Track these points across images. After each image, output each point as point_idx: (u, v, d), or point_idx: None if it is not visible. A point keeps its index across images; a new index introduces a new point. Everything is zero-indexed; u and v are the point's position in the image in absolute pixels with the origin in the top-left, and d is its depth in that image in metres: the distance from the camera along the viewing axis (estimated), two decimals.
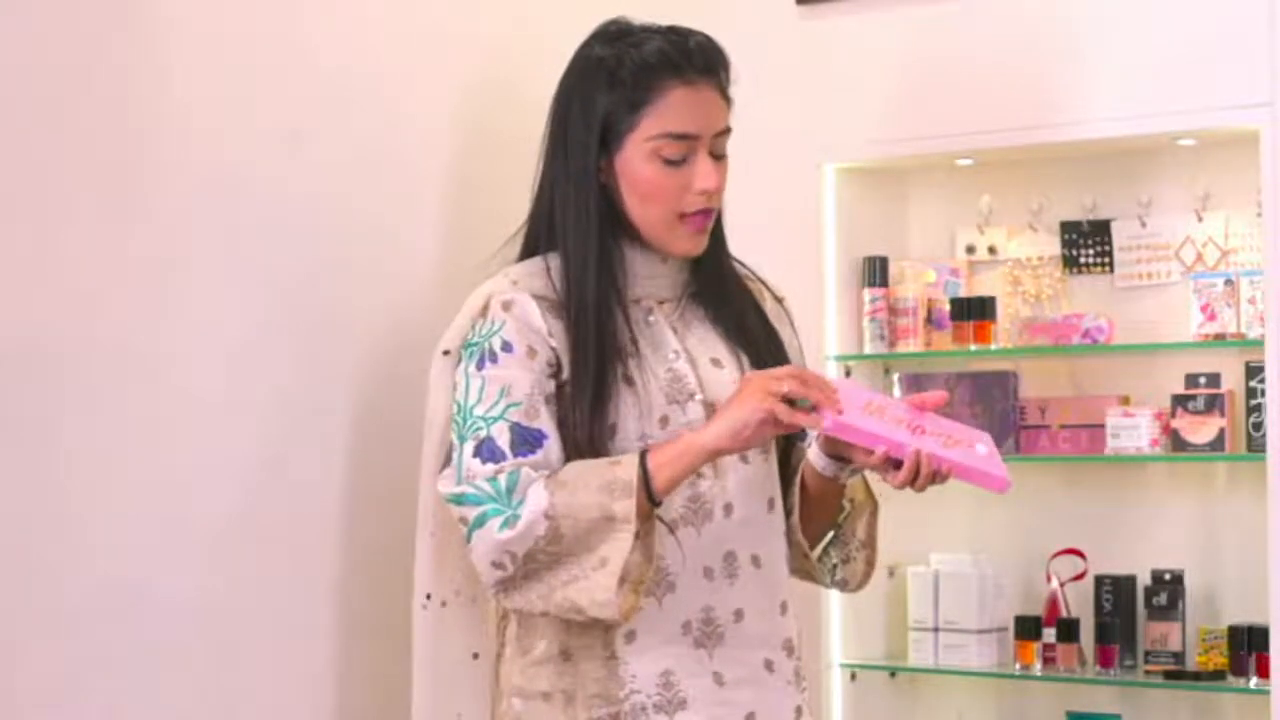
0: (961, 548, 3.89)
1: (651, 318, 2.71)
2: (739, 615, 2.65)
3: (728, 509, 2.65)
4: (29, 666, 2.53)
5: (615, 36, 2.71)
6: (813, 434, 2.68)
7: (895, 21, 3.73)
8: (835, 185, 3.87)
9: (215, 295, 2.77)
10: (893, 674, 3.92)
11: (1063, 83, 3.58)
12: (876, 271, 3.91)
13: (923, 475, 2.58)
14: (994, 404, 3.85)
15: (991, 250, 3.95)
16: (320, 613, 2.87)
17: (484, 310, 2.68)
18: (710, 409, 2.65)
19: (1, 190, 2.52)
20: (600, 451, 2.60)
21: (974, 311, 3.86)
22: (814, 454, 2.70)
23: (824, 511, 2.76)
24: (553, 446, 2.60)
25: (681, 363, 2.68)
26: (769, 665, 2.67)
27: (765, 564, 2.69)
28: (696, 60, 2.68)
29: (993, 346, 3.86)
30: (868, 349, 3.90)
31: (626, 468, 2.53)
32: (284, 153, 2.85)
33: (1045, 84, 3.59)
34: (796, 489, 2.73)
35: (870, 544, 2.78)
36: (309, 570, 2.87)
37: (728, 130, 2.71)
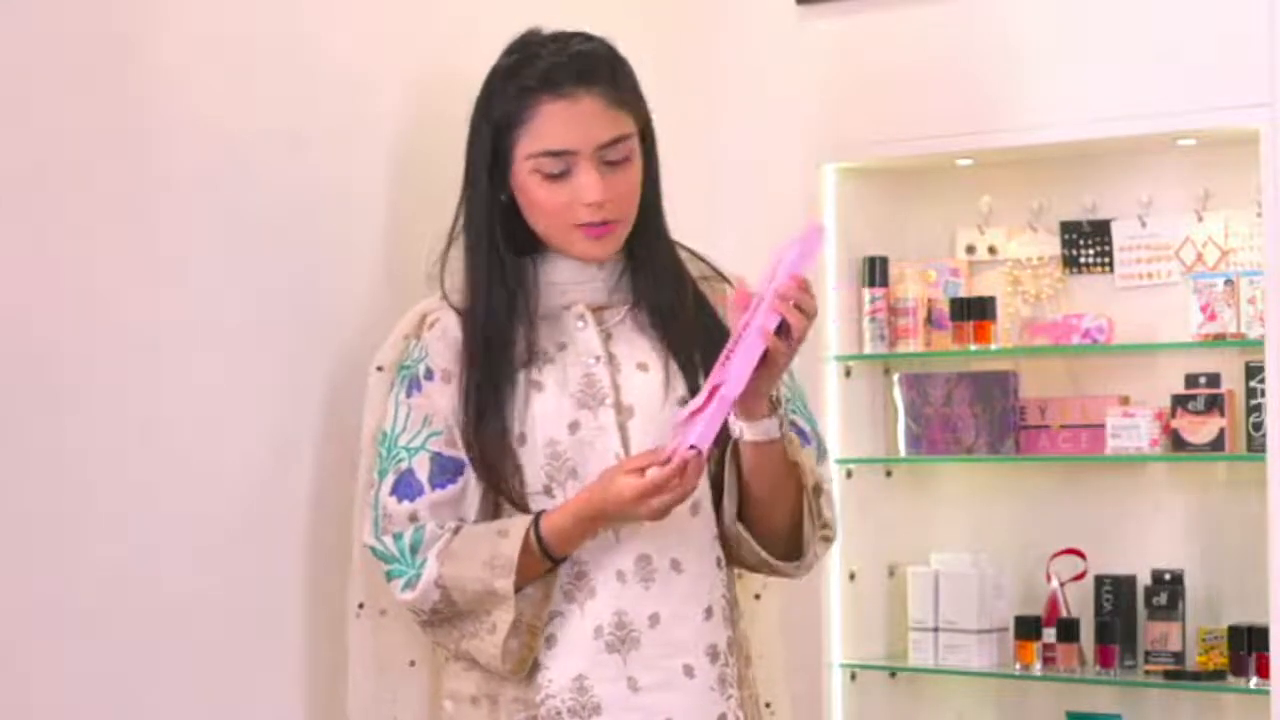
0: (961, 548, 3.89)
1: (581, 323, 2.71)
2: (654, 620, 2.64)
3: None
4: (31, 665, 2.53)
5: (511, 50, 2.71)
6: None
7: (895, 21, 3.73)
8: (835, 185, 3.86)
9: (215, 295, 2.77)
10: (893, 674, 3.92)
11: (1062, 83, 3.58)
12: (876, 271, 3.91)
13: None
14: (994, 404, 3.85)
15: (991, 250, 3.95)
16: (320, 612, 2.87)
17: (418, 329, 2.74)
18: (626, 413, 2.65)
19: (2, 190, 2.52)
20: (493, 462, 2.63)
21: (974, 311, 3.86)
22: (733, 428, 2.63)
23: (776, 489, 2.66)
24: (471, 475, 2.66)
25: (599, 367, 2.67)
26: (689, 671, 2.64)
27: (687, 568, 2.66)
28: (568, 71, 2.64)
29: (993, 346, 3.86)
30: (868, 349, 3.90)
31: (511, 541, 2.58)
32: (284, 153, 2.85)
33: (1045, 84, 3.59)
34: (734, 484, 2.67)
35: (819, 517, 2.69)
36: (309, 570, 2.87)
37: (622, 138, 2.66)
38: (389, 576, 2.65)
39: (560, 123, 2.64)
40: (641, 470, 2.52)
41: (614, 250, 2.71)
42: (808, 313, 2.53)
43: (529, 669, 2.62)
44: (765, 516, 2.68)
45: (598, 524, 2.60)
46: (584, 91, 2.64)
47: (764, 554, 2.68)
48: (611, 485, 2.54)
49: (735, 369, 2.51)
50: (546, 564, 2.61)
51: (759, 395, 2.57)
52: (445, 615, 2.63)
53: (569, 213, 2.66)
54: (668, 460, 2.50)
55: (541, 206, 2.67)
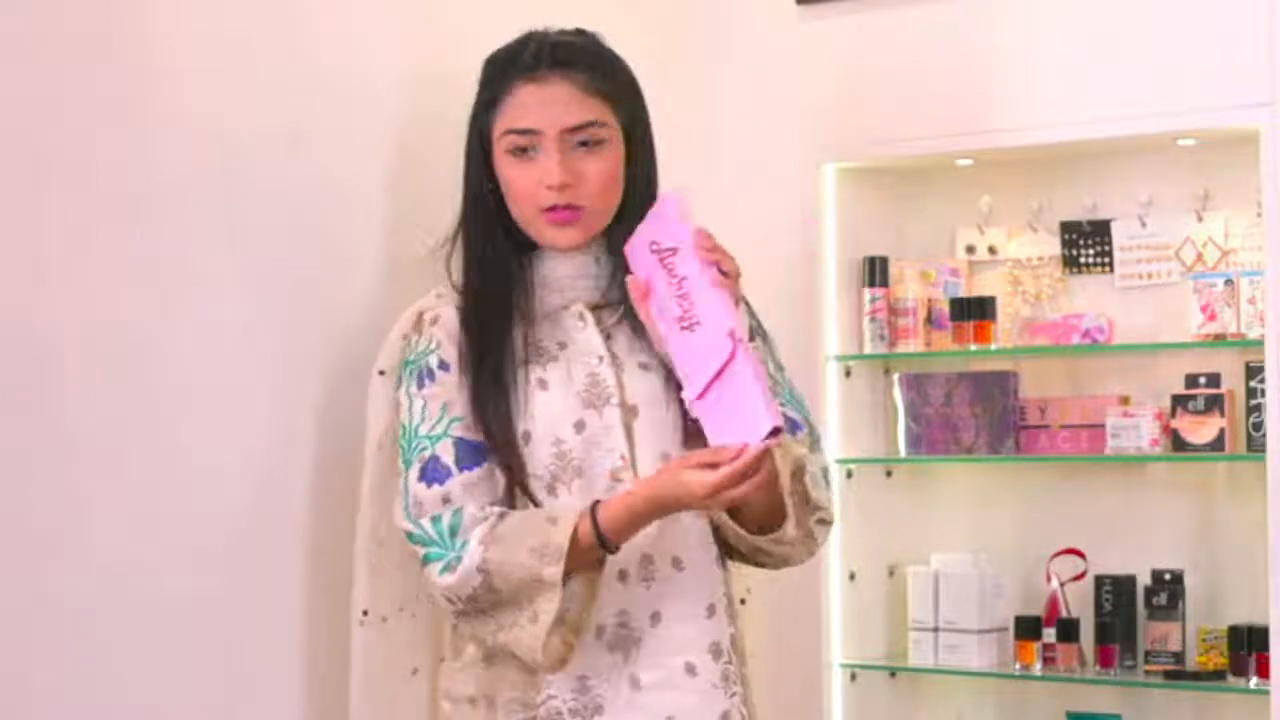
0: (961, 548, 3.89)
1: (581, 322, 2.71)
2: (656, 619, 2.64)
3: None
4: (31, 666, 2.54)
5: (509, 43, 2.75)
6: None
7: (895, 21, 3.73)
8: (835, 185, 3.86)
9: (216, 295, 2.77)
10: (893, 674, 3.92)
11: (1062, 83, 3.58)
12: (876, 271, 3.91)
13: None
14: (994, 404, 3.85)
15: (991, 250, 3.95)
16: (321, 618, 2.87)
17: (416, 326, 2.73)
18: (630, 413, 2.65)
19: (2, 190, 2.52)
20: (510, 456, 2.63)
21: (974, 311, 3.86)
22: None
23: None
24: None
25: (604, 367, 2.68)
26: (690, 669, 2.64)
27: (688, 567, 2.66)
28: (545, 57, 2.68)
29: (993, 346, 3.86)
30: (868, 349, 3.90)
31: (561, 530, 2.55)
32: (283, 152, 2.85)
33: (1045, 84, 3.59)
34: None
35: (805, 499, 2.68)
36: (310, 575, 2.87)
37: (592, 124, 2.68)
38: (426, 560, 2.61)
39: (529, 103, 2.68)
40: (709, 465, 2.49)
41: (581, 239, 2.71)
42: (728, 256, 2.58)
43: (565, 665, 2.59)
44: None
45: (655, 517, 2.57)
46: (556, 76, 2.68)
47: (741, 532, 2.66)
48: (678, 480, 2.51)
49: (728, 317, 2.50)
50: (597, 554, 2.57)
51: None
52: (483, 604, 2.59)
53: (535, 196, 2.68)
54: (737, 455, 2.47)
55: (512, 189, 2.70)
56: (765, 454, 2.48)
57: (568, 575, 2.55)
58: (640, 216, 2.71)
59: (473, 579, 2.57)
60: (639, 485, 2.58)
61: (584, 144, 2.68)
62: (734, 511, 2.66)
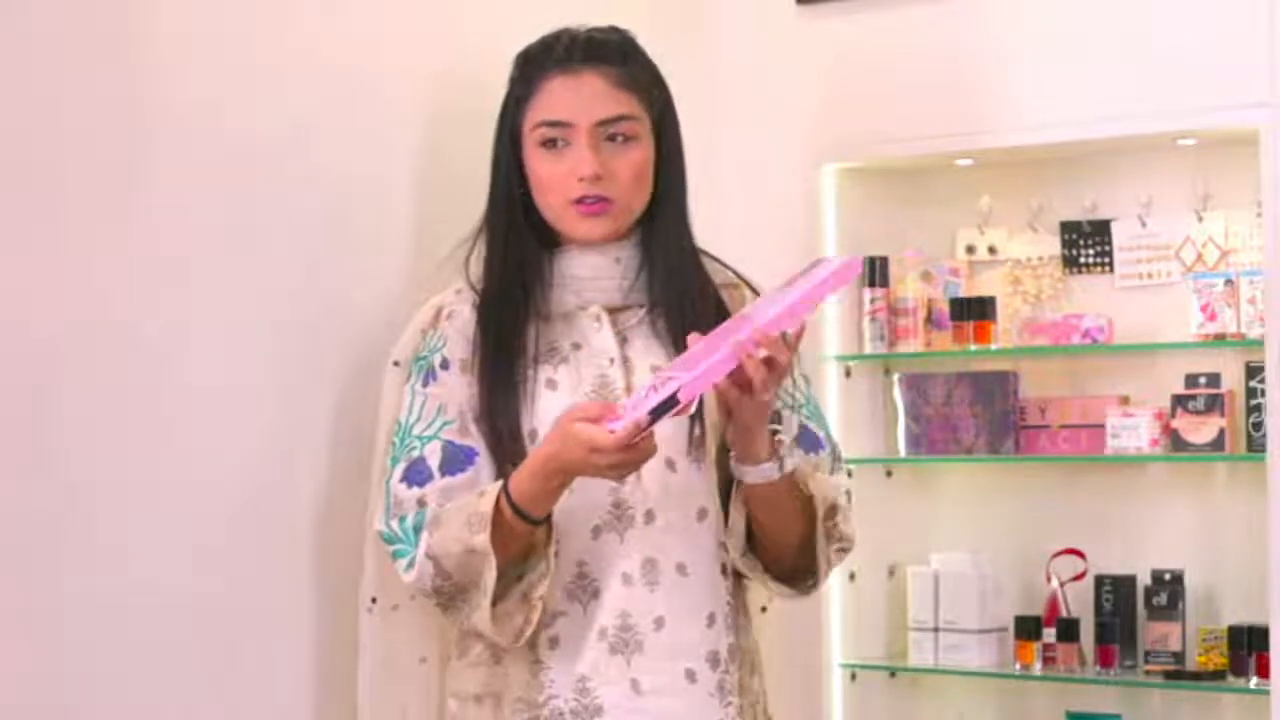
0: (961, 548, 3.89)
1: (597, 323, 2.71)
2: (659, 623, 2.63)
3: (649, 515, 2.64)
4: (29, 665, 2.54)
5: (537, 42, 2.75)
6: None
7: (895, 21, 3.73)
8: (835, 185, 3.86)
9: (216, 294, 2.77)
10: (893, 674, 3.92)
11: (1063, 83, 3.58)
12: (876, 271, 3.91)
13: (765, 367, 2.47)
14: (994, 404, 3.85)
15: (991, 250, 3.95)
16: (330, 608, 2.87)
17: (434, 322, 2.74)
18: None
19: (2, 189, 2.52)
20: (504, 456, 2.62)
21: (974, 311, 3.86)
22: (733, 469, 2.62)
23: (784, 520, 2.67)
24: (484, 464, 2.65)
25: (614, 369, 2.67)
26: (691, 675, 2.64)
27: (692, 573, 2.66)
28: (577, 51, 2.69)
29: (993, 346, 3.86)
30: (868, 349, 3.90)
31: (486, 499, 2.55)
32: (288, 149, 2.85)
33: (1046, 84, 3.59)
34: (740, 519, 2.66)
35: (834, 534, 2.70)
36: (320, 565, 2.87)
37: (624, 118, 2.69)
38: (395, 558, 2.63)
39: (562, 94, 2.68)
40: (595, 418, 2.45)
41: (610, 232, 2.71)
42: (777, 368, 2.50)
43: (525, 640, 2.59)
44: (774, 541, 2.68)
45: (558, 475, 2.52)
46: (589, 69, 2.68)
47: (771, 583, 2.69)
48: (567, 433, 2.47)
49: (699, 376, 2.45)
50: (522, 524, 2.55)
51: (752, 435, 2.57)
52: (449, 592, 2.60)
53: (565, 187, 2.67)
54: (619, 420, 2.45)
55: (542, 181, 2.70)
56: (640, 444, 2.43)
57: (512, 546, 2.54)
58: (670, 212, 2.71)
59: (426, 568, 2.58)
60: (541, 443, 2.55)
61: (615, 138, 2.68)
62: (767, 557, 2.68)
